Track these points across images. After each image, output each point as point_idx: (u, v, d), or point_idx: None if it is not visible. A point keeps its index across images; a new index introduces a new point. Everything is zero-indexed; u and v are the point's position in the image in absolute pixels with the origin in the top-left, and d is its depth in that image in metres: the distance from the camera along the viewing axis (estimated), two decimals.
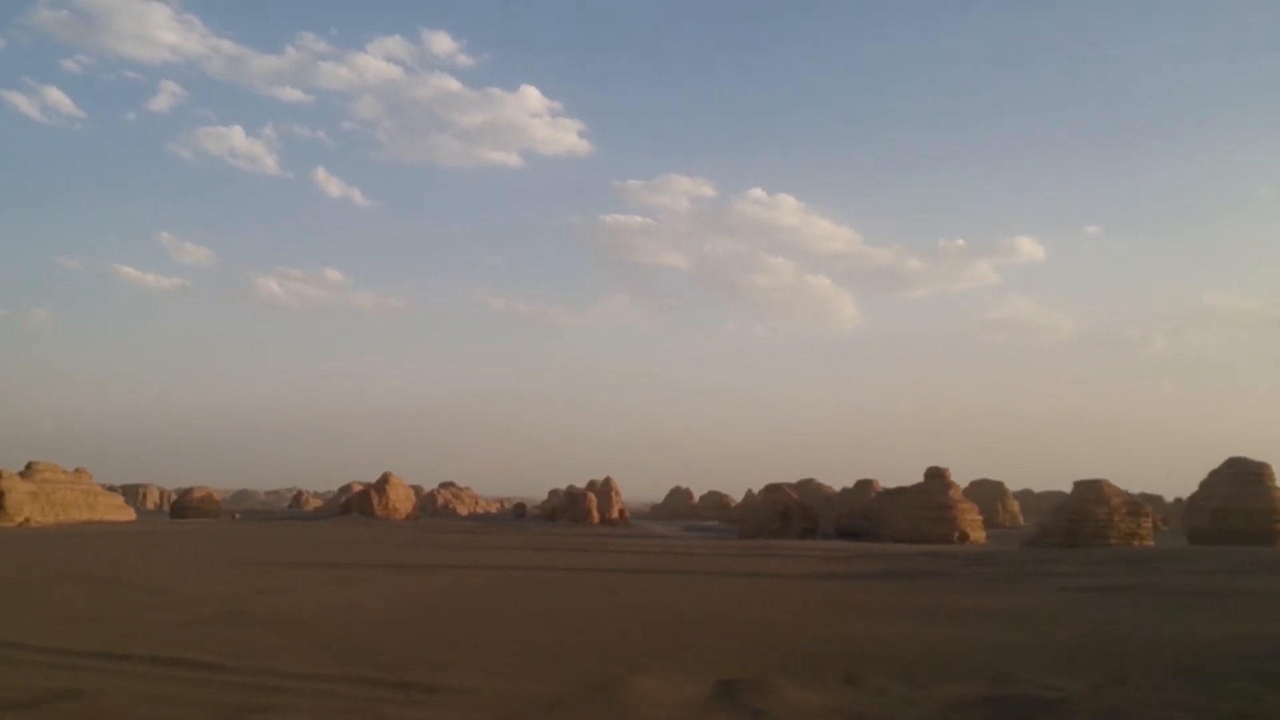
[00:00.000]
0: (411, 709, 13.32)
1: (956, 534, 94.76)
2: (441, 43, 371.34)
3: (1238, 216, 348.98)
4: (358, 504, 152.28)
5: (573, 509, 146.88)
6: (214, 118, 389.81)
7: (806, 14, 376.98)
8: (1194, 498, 69.53)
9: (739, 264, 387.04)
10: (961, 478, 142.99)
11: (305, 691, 14.17)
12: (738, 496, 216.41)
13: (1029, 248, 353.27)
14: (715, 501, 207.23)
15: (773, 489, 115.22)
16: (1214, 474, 68.40)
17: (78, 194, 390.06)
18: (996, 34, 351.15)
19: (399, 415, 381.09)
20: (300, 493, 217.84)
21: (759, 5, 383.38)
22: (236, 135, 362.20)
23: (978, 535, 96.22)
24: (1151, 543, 70.02)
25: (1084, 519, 70.20)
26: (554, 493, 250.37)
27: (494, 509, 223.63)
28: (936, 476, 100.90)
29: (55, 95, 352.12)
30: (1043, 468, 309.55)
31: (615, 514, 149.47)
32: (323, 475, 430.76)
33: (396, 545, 69.60)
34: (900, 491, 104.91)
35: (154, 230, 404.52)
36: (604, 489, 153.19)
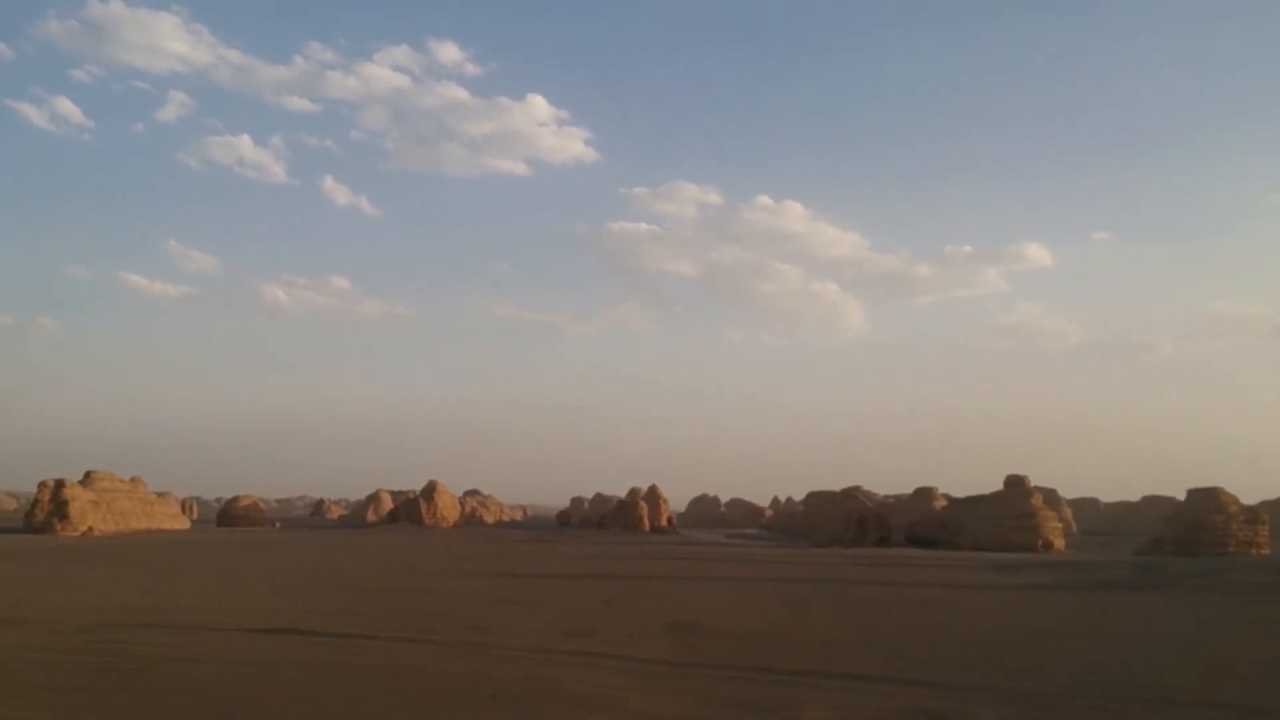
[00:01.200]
0: None
1: (1040, 542, 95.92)
2: (448, 52, 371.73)
3: (1247, 223, 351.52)
4: (405, 512, 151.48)
5: (623, 517, 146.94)
6: (222, 127, 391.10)
7: (813, 21, 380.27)
8: None
9: (746, 271, 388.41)
10: (986, 485, 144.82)
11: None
12: (758, 504, 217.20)
13: (1037, 254, 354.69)
14: (745, 509, 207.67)
15: (845, 496, 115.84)
16: None
17: (85, 203, 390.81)
18: (1005, 39, 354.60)
19: (404, 423, 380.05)
20: (323, 501, 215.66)
21: (765, 13, 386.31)
22: (245, 144, 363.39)
23: (1059, 543, 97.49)
24: (1268, 551, 71.41)
25: (1201, 527, 71.44)
26: (576, 500, 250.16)
27: (516, 516, 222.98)
28: (1016, 484, 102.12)
29: (65, 105, 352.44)
30: (1054, 474, 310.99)
31: (664, 522, 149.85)
32: (327, 482, 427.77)
33: (511, 555, 69.60)
34: (978, 500, 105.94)
35: (161, 239, 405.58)
36: (651, 497, 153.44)
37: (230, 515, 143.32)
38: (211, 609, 27.80)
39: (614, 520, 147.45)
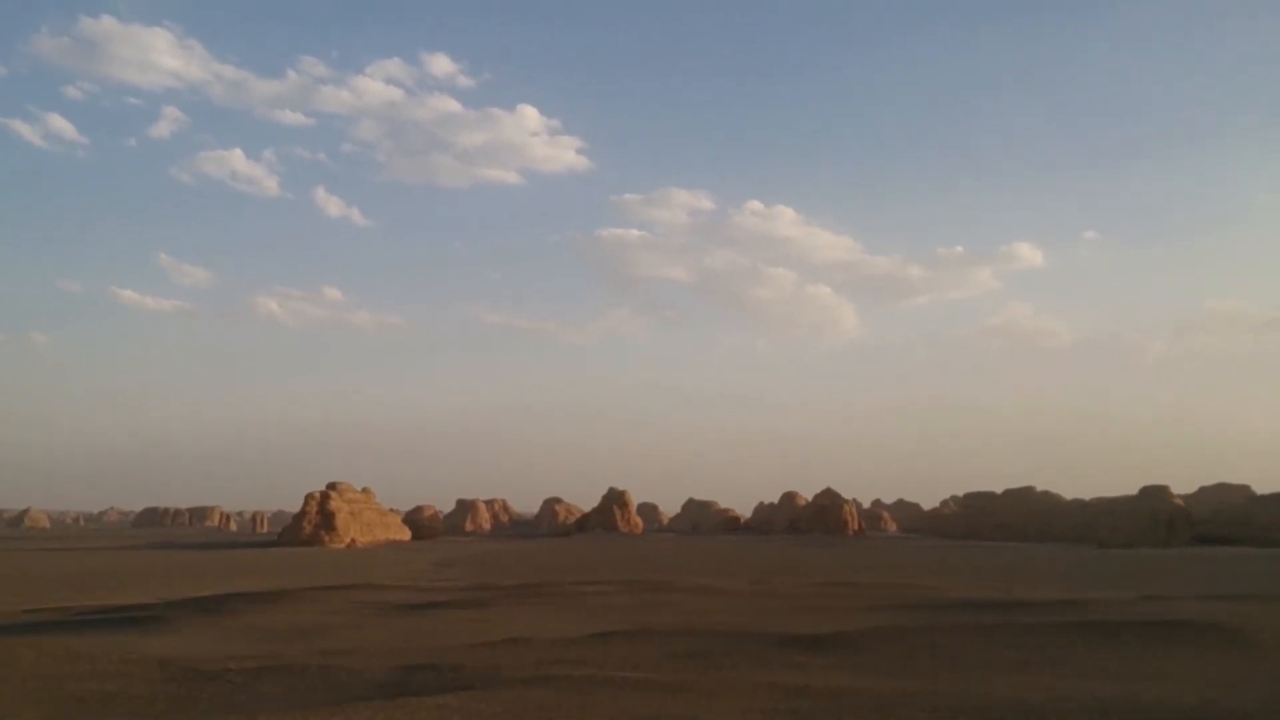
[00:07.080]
0: None
1: None
2: (441, 64, 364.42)
3: (1236, 222, 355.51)
4: (597, 520, 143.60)
5: (825, 520, 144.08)
6: (214, 141, 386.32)
7: (802, 27, 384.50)
8: None
9: (739, 276, 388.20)
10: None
11: None
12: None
13: (1028, 254, 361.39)
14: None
15: (1146, 494, 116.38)
16: None
17: (77, 218, 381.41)
18: (995, 43, 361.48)
19: (405, 432, 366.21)
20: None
21: (754, 20, 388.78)
22: (237, 158, 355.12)
23: None
24: None
25: None
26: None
27: None
28: None
29: (58, 122, 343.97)
30: (1053, 474, 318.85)
31: (857, 525, 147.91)
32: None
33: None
34: None
35: (153, 253, 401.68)
36: (839, 500, 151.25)
37: (417, 526, 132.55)
38: None
39: (813, 524, 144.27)
